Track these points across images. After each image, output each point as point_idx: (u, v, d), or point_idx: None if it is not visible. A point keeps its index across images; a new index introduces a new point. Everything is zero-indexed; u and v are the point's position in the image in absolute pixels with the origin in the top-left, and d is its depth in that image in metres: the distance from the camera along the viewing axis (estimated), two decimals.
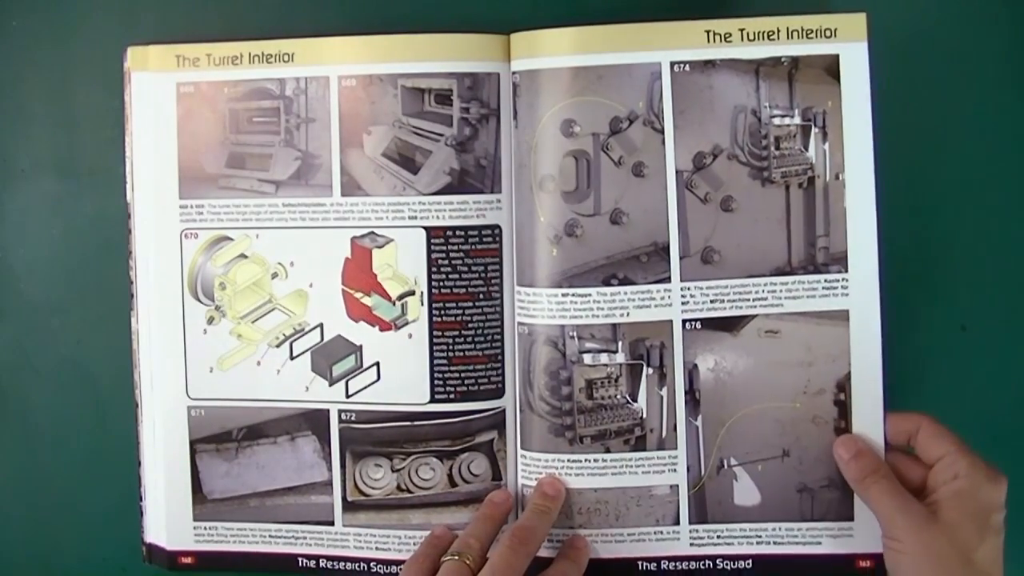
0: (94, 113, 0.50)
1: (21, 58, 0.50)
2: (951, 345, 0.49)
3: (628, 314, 0.45)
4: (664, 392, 0.45)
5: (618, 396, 0.45)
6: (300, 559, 0.48)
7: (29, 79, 0.50)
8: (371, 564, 0.47)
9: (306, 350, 0.47)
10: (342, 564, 0.48)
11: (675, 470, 0.46)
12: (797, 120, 0.45)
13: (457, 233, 0.46)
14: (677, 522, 0.46)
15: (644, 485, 0.46)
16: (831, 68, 0.45)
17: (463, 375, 0.46)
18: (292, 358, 0.47)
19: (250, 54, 0.47)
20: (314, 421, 0.47)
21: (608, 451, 0.45)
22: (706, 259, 0.45)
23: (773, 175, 0.45)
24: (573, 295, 0.45)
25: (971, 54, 0.48)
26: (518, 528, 0.43)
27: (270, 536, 0.48)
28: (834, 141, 0.45)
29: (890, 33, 0.45)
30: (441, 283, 0.46)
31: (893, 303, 0.45)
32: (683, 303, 0.45)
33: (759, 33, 0.44)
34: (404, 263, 0.46)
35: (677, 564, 0.46)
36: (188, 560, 0.48)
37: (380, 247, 0.46)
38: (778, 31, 0.44)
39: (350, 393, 0.47)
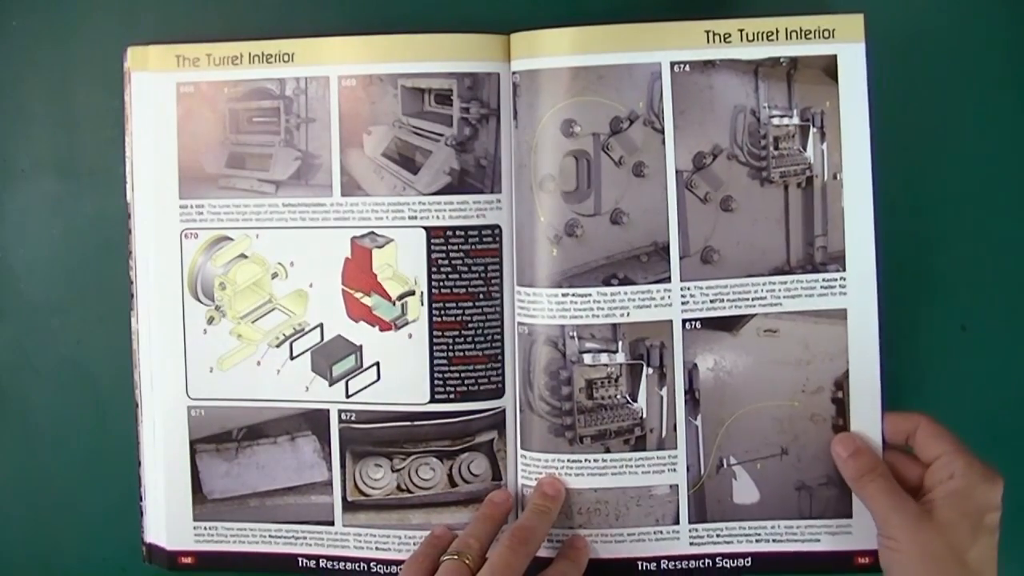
0: (94, 113, 0.50)
1: (21, 58, 0.50)
2: (950, 345, 0.49)
3: (628, 314, 0.45)
4: (664, 392, 0.46)
5: (618, 396, 0.46)
6: (300, 559, 0.48)
7: (29, 79, 0.50)
8: (371, 564, 0.47)
9: (306, 350, 0.47)
10: (342, 564, 0.48)
11: (675, 470, 0.46)
12: (796, 120, 0.45)
13: (457, 233, 0.46)
14: (677, 521, 0.46)
15: (644, 485, 0.46)
16: (829, 68, 0.45)
17: (463, 375, 0.46)
18: (292, 358, 0.47)
19: (250, 54, 0.47)
20: (314, 421, 0.47)
21: (608, 451, 0.45)
22: (706, 259, 0.45)
23: (772, 175, 0.45)
24: (573, 295, 0.45)
25: (968, 54, 0.48)
26: (518, 528, 0.43)
27: (270, 536, 0.48)
28: (832, 141, 0.45)
29: (887, 34, 0.45)
30: (441, 283, 0.46)
31: (893, 303, 0.46)
32: (683, 303, 0.45)
33: (758, 34, 0.45)
34: (404, 263, 0.46)
35: (677, 563, 0.46)
36: (188, 560, 0.48)
37: (380, 247, 0.46)
38: (777, 32, 0.45)
39: (350, 393, 0.47)
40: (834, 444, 0.45)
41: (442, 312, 0.46)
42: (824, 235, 0.45)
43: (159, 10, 0.50)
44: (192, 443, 0.48)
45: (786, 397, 0.46)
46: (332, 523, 0.48)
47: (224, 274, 0.48)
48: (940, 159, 0.48)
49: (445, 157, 0.46)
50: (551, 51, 0.45)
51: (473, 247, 0.46)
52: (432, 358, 0.46)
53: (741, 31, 0.45)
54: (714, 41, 0.45)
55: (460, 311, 0.46)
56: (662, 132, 0.45)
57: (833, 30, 0.44)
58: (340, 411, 0.47)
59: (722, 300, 0.45)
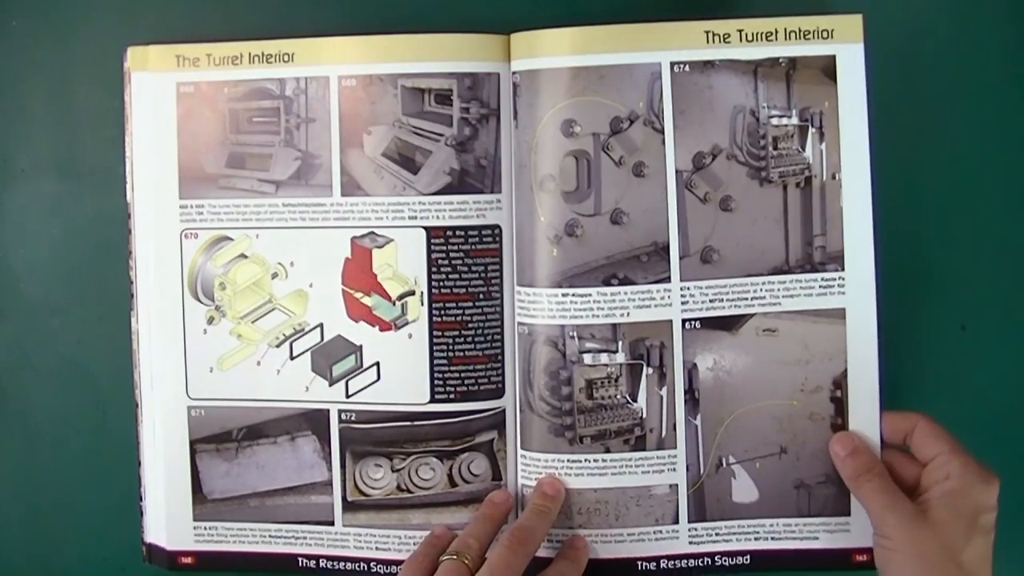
0: (94, 113, 0.50)
1: (21, 58, 0.50)
2: (950, 344, 0.49)
3: (628, 314, 0.45)
4: (664, 392, 0.46)
5: (618, 396, 0.46)
6: (300, 559, 0.48)
7: (29, 79, 0.50)
8: (371, 564, 0.48)
9: (306, 350, 0.47)
10: (342, 564, 0.48)
11: (674, 469, 0.46)
12: (795, 120, 0.45)
13: (457, 233, 0.46)
14: (676, 521, 0.46)
15: (644, 485, 0.46)
16: (828, 69, 0.45)
17: (463, 375, 0.46)
18: (292, 358, 0.47)
19: (250, 54, 0.47)
20: (314, 421, 0.47)
21: (608, 451, 0.46)
22: (705, 259, 0.45)
23: (771, 175, 0.45)
24: (573, 295, 0.45)
25: (966, 55, 0.48)
26: (517, 528, 0.43)
27: (270, 536, 0.48)
28: (831, 141, 0.45)
29: (886, 34, 0.46)
30: (441, 283, 0.46)
31: (892, 302, 0.46)
32: (683, 303, 0.45)
33: (757, 34, 0.45)
34: (404, 263, 0.46)
35: (676, 562, 0.46)
36: (188, 560, 0.48)
37: (380, 247, 0.46)
38: (776, 32, 0.45)
39: (350, 393, 0.47)
40: (832, 443, 0.45)
41: (442, 312, 0.46)
42: (823, 235, 0.45)
43: (159, 10, 0.50)
44: (192, 443, 0.48)
45: (785, 396, 0.46)
46: (332, 523, 0.48)
47: (224, 274, 0.48)
48: (939, 159, 0.48)
49: (445, 157, 0.46)
50: (551, 51, 0.45)
51: (473, 247, 0.46)
52: (432, 358, 0.46)
53: (740, 31, 0.45)
54: (714, 41, 0.45)
55: (460, 311, 0.46)
56: (662, 132, 0.45)
57: (832, 30, 0.45)
58: (340, 411, 0.47)
59: (721, 300, 0.45)
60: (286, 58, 0.46)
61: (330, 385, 0.47)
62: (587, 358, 0.45)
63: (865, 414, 0.45)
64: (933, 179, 0.48)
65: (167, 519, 0.48)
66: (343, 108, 0.46)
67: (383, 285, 0.46)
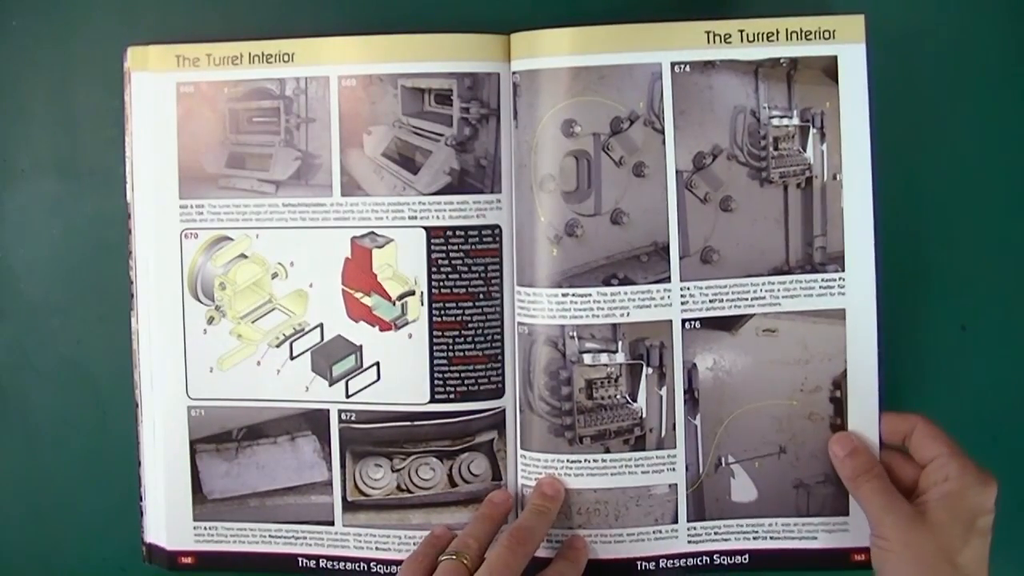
0: (94, 113, 0.50)
1: (21, 58, 0.50)
2: (950, 345, 0.49)
3: (628, 314, 0.45)
4: (663, 392, 0.46)
5: (618, 396, 0.46)
6: (300, 559, 0.48)
7: (29, 79, 0.50)
8: (371, 564, 0.48)
9: (306, 350, 0.47)
10: (342, 564, 0.48)
11: (674, 469, 0.46)
12: (795, 121, 0.45)
13: (457, 233, 0.46)
14: (675, 520, 0.46)
15: (643, 485, 0.46)
16: (829, 69, 0.45)
17: (463, 375, 0.46)
18: (292, 358, 0.47)
19: (250, 54, 0.47)
20: (314, 421, 0.47)
21: (608, 451, 0.46)
22: (705, 259, 0.45)
23: (772, 175, 0.45)
24: (573, 295, 0.45)
25: (968, 55, 0.48)
26: (516, 528, 0.43)
27: (270, 536, 0.48)
28: (832, 142, 0.45)
29: (888, 35, 0.45)
30: (441, 283, 0.46)
31: (892, 303, 0.46)
32: (683, 303, 0.45)
33: (758, 34, 0.45)
34: (404, 263, 0.46)
35: (675, 561, 0.46)
36: (188, 560, 0.48)
37: (380, 247, 0.46)
38: (777, 32, 0.45)
39: (350, 393, 0.47)
40: (831, 443, 0.45)
41: (442, 312, 0.46)
42: (823, 235, 0.45)
43: (159, 10, 0.49)
44: (192, 443, 0.48)
45: (784, 396, 0.46)
46: (332, 523, 0.48)
47: (224, 274, 0.48)
48: (940, 160, 0.48)
49: (445, 157, 0.46)
50: (551, 51, 0.45)
51: (473, 247, 0.46)
52: (432, 358, 0.46)
53: (741, 32, 0.45)
54: (714, 42, 0.45)
55: (460, 311, 0.46)
56: (662, 132, 0.45)
57: (833, 31, 0.44)
58: (340, 411, 0.47)
59: (721, 300, 0.45)
60: (286, 58, 0.46)
61: (330, 385, 0.47)
62: (587, 358, 0.45)
63: (864, 415, 0.45)
64: (933, 179, 0.48)
65: (167, 519, 0.48)
66: (343, 108, 0.46)
67: (383, 285, 0.46)
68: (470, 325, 0.46)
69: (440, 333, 0.46)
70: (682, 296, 0.45)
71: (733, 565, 0.46)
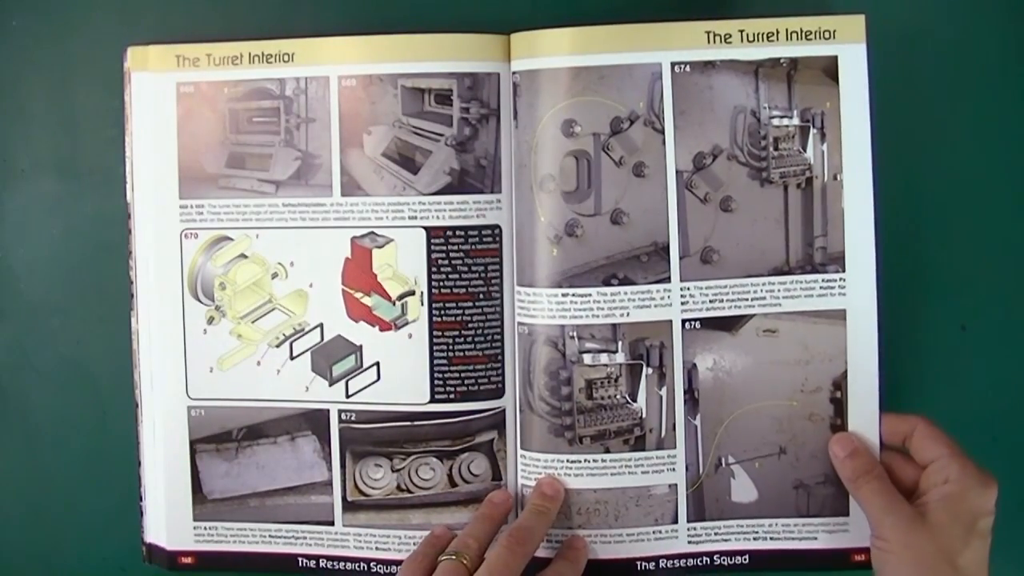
0: (94, 113, 0.50)
1: (21, 58, 0.50)
2: (950, 345, 0.49)
3: (628, 314, 0.45)
4: (663, 392, 0.46)
5: (618, 396, 0.46)
6: (300, 559, 0.48)
7: (29, 79, 0.50)
8: (371, 564, 0.48)
9: (306, 350, 0.47)
10: (342, 564, 0.48)
11: (674, 469, 0.46)
12: (796, 121, 0.45)
13: (457, 233, 0.46)
14: (675, 521, 0.46)
15: (643, 485, 0.46)
16: (830, 69, 0.45)
17: (463, 375, 0.46)
18: (292, 358, 0.47)
19: (250, 54, 0.47)
20: (314, 421, 0.47)
21: (607, 451, 0.46)
22: (705, 259, 0.45)
23: (772, 175, 0.45)
24: (573, 295, 0.45)
25: (969, 55, 0.48)
26: (516, 528, 0.43)
27: (270, 536, 0.48)
28: (832, 142, 0.45)
29: (888, 35, 0.45)
30: (441, 283, 0.46)
31: (892, 303, 0.46)
32: (683, 303, 0.45)
33: (758, 34, 0.45)
34: (404, 263, 0.46)
35: (675, 562, 0.46)
36: (188, 560, 0.48)
37: (380, 247, 0.46)
38: (777, 32, 0.45)
39: (350, 393, 0.47)
40: (832, 444, 0.45)
41: (442, 312, 0.46)
42: (824, 236, 0.45)
43: (159, 10, 0.49)
44: (192, 443, 0.48)
45: (785, 397, 0.46)
46: (332, 523, 0.48)
47: (224, 274, 0.48)
48: (940, 160, 0.48)
49: (445, 157, 0.46)
50: (551, 51, 0.45)
51: (473, 247, 0.46)
52: (432, 358, 0.46)
53: (742, 32, 0.45)
54: (715, 42, 0.45)
55: (460, 311, 0.46)
56: (662, 132, 0.45)
57: (834, 31, 0.44)
58: (340, 411, 0.47)
59: (721, 300, 0.45)
60: (286, 58, 0.46)
61: (330, 385, 0.47)
62: (587, 358, 0.45)
63: (865, 415, 0.45)
64: (933, 179, 0.48)
65: (167, 519, 0.48)
66: (343, 108, 0.46)
67: (383, 285, 0.46)
68: (470, 325, 0.46)
69: (440, 333, 0.46)
70: (682, 296, 0.45)
71: (733, 566, 0.46)
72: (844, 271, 0.45)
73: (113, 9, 0.50)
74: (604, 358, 0.45)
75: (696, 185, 0.45)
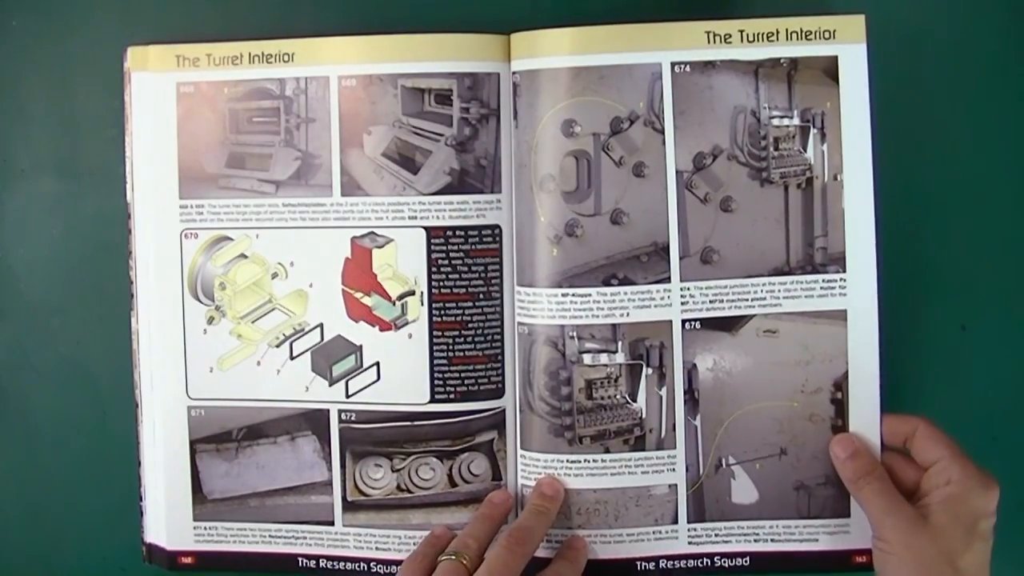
0: (94, 113, 0.50)
1: (21, 58, 0.50)
2: (950, 345, 0.49)
3: (628, 314, 0.45)
4: (663, 392, 0.46)
5: (617, 396, 0.46)
6: (300, 559, 0.48)
7: (29, 79, 0.50)
8: (371, 564, 0.48)
9: (306, 350, 0.47)
10: (342, 564, 0.48)
11: (674, 470, 0.46)
12: (796, 121, 0.45)
13: (457, 233, 0.46)
14: (675, 521, 0.46)
15: (643, 485, 0.46)
16: (830, 69, 0.45)
17: (463, 375, 0.46)
18: (292, 358, 0.47)
19: (250, 54, 0.47)
20: (314, 421, 0.47)
21: (607, 451, 0.46)
22: (705, 259, 0.45)
23: (772, 175, 0.45)
24: (573, 295, 0.45)
25: (969, 56, 0.48)
26: (515, 528, 0.43)
27: (270, 536, 0.48)
28: (833, 142, 0.45)
29: (889, 35, 0.45)
30: (441, 283, 0.46)
31: (892, 303, 0.46)
32: (683, 303, 0.45)
33: (759, 34, 0.45)
34: (404, 263, 0.46)
35: (675, 563, 0.46)
36: (188, 560, 0.48)
37: (380, 247, 0.46)
38: (777, 32, 0.45)
39: (350, 393, 0.47)
40: (832, 445, 0.45)
41: (442, 312, 0.46)
42: (824, 236, 0.45)
43: (159, 10, 0.49)
44: (192, 443, 0.48)
45: (785, 397, 0.46)
46: (332, 523, 0.48)
47: (224, 274, 0.48)
48: (941, 160, 0.48)
49: (445, 157, 0.46)
50: (551, 51, 0.45)
51: (473, 247, 0.46)
52: (432, 358, 0.46)
53: (742, 32, 0.45)
54: (715, 42, 0.45)
55: (460, 311, 0.46)
56: (662, 132, 0.45)
57: (834, 31, 0.44)
58: (340, 411, 0.47)
59: (722, 300, 0.45)
60: (286, 58, 0.46)
61: (330, 385, 0.47)
62: (587, 358, 0.45)
63: (865, 416, 0.45)
64: (933, 179, 0.48)
65: (167, 519, 0.48)
66: (343, 108, 0.46)
67: (383, 285, 0.46)
68: (470, 325, 0.46)
69: (440, 333, 0.46)
70: (682, 296, 0.45)
71: (734, 568, 0.46)
72: (844, 271, 0.45)
73: (113, 9, 0.50)
74: (604, 358, 0.45)
75: (696, 185, 0.45)
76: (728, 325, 0.45)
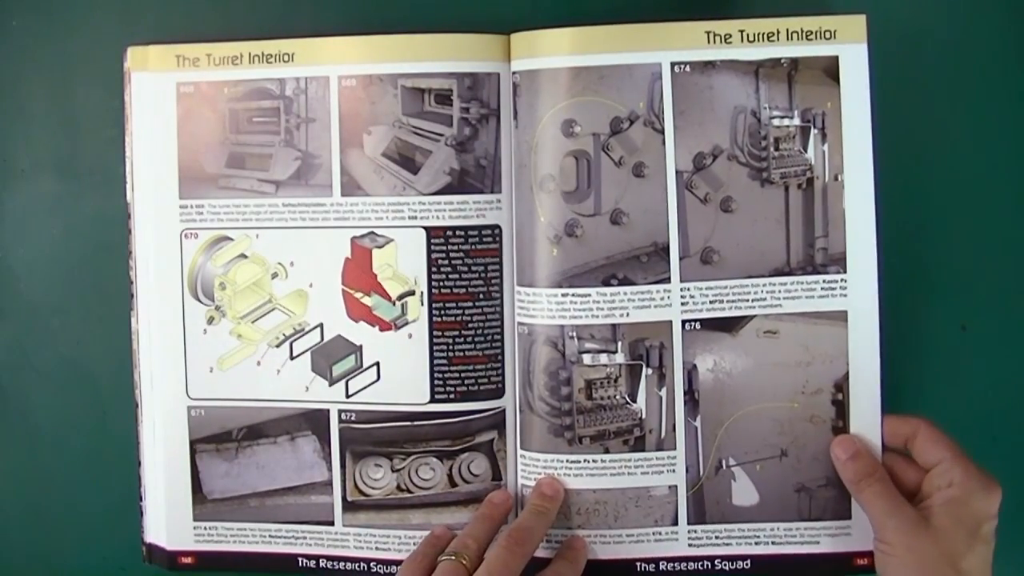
0: (94, 113, 0.50)
1: (21, 58, 0.50)
2: (950, 345, 0.49)
3: (628, 314, 0.45)
4: (663, 392, 0.46)
5: (617, 396, 0.46)
6: (300, 559, 0.48)
7: (29, 79, 0.50)
8: (371, 564, 0.48)
9: (306, 350, 0.47)
10: (342, 564, 0.48)
11: (674, 470, 0.46)
12: (796, 121, 0.45)
13: (457, 233, 0.46)
14: (675, 523, 0.46)
15: (643, 486, 0.46)
16: (830, 69, 0.45)
17: (463, 375, 0.46)
18: (292, 358, 0.47)
19: (250, 54, 0.47)
20: (314, 421, 0.47)
21: (607, 451, 0.45)
22: (705, 259, 0.45)
23: (772, 176, 0.45)
24: (573, 295, 0.45)
25: (970, 56, 0.48)
26: (515, 528, 0.43)
27: (270, 536, 0.48)
28: (833, 142, 0.45)
29: (889, 35, 0.45)
30: (441, 283, 0.46)
31: (892, 303, 0.46)
32: (683, 303, 0.45)
33: (759, 34, 0.44)
34: (404, 263, 0.46)
35: (675, 565, 0.46)
36: (188, 560, 0.48)
37: (380, 247, 0.46)
38: (778, 32, 0.45)
39: (350, 393, 0.47)
40: (833, 446, 0.45)
41: (442, 312, 0.46)
42: (825, 236, 0.45)
43: (159, 10, 0.49)
44: (192, 443, 0.48)
45: (786, 398, 0.46)
46: (332, 523, 0.48)
47: (224, 274, 0.48)
48: (941, 160, 0.48)
49: (445, 157, 0.46)
50: (551, 51, 0.45)
51: (473, 247, 0.46)
52: (432, 358, 0.46)
53: (742, 32, 0.44)
54: (715, 42, 0.44)
55: (460, 311, 0.46)
56: (662, 132, 0.45)
57: (835, 31, 0.44)
58: (340, 411, 0.47)
59: (722, 301, 0.45)
60: (286, 58, 0.46)
61: (330, 385, 0.47)
62: (587, 358, 0.45)
63: (866, 417, 0.45)
64: (933, 179, 0.48)
65: (167, 519, 0.48)
66: (343, 108, 0.46)
67: (383, 285, 0.46)
68: (470, 325, 0.46)
69: (440, 333, 0.46)
70: (682, 297, 0.45)
71: (735, 571, 0.46)
72: (845, 272, 0.45)
73: (113, 9, 0.50)
74: (604, 358, 0.45)
75: (696, 185, 0.45)
76: (728, 326, 0.45)
